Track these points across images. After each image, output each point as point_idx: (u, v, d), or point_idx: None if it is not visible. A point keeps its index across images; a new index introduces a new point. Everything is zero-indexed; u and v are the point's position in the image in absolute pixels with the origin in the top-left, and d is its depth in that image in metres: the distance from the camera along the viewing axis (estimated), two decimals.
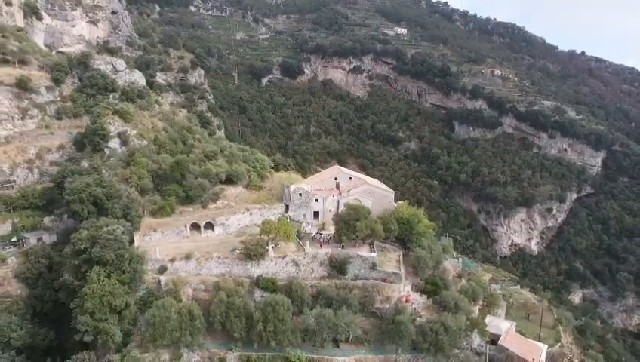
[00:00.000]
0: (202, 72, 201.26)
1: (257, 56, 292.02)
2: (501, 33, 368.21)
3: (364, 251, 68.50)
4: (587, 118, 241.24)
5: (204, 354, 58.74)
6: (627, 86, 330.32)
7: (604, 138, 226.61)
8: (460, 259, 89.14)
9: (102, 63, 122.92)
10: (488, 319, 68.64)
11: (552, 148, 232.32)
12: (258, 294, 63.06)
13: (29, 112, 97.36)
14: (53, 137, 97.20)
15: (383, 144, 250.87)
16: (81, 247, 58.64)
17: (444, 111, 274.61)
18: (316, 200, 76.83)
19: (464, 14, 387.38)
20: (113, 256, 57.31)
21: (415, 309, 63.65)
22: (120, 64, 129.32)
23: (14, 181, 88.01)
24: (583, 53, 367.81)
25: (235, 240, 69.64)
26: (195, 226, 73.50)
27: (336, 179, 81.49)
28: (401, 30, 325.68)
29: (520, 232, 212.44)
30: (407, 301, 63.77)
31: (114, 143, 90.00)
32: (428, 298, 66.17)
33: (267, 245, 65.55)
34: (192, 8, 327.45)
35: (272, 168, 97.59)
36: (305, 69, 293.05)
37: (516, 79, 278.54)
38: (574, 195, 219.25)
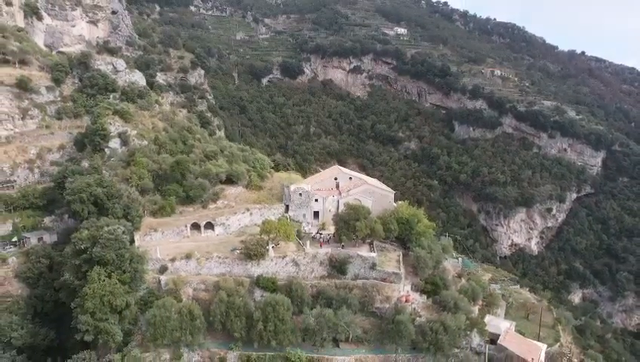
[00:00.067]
0: (202, 72, 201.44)
1: (257, 56, 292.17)
2: (501, 33, 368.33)
3: (364, 251, 68.64)
4: (587, 118, 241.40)
5: (204, 354, 58.89)
6: (627, 86, 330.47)
7: (604, 138, 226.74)
8: (459, 258, 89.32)
9: (102, 63, 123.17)
10: (488, 319, 68.78)
11: (551, 148, 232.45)
12: (258, 294, 63.21)
13: (30, 112, 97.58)
14: (54, 137, 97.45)
15: (383, 144, 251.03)
16: (82, 247, 58.81)
17: (444, 111, 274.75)
18: (316, 200, 76.97)
19: (464, 14, 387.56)
20: (114, 255, 57.47)
21: (415, 309, 63.81)
22: (120, 64, 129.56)
23: (15, 181, 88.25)
24: (583, 53, 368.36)
25: (235, 240, 69.80)
26: (196, 226, 73.66)
27: (336, 179, 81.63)
28: (401, 30, 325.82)
29: (520, 232, 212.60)
30: (406, 301, 63.92)
31: (114, 143, 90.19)
32: (427, 298, 66.32)
33: (267, 245, 65.70)
34: (192, 8, 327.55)
35: (272, 168, 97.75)
36: (305, 69, 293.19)
37: (516, 79, 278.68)
38: (574, 195, 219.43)
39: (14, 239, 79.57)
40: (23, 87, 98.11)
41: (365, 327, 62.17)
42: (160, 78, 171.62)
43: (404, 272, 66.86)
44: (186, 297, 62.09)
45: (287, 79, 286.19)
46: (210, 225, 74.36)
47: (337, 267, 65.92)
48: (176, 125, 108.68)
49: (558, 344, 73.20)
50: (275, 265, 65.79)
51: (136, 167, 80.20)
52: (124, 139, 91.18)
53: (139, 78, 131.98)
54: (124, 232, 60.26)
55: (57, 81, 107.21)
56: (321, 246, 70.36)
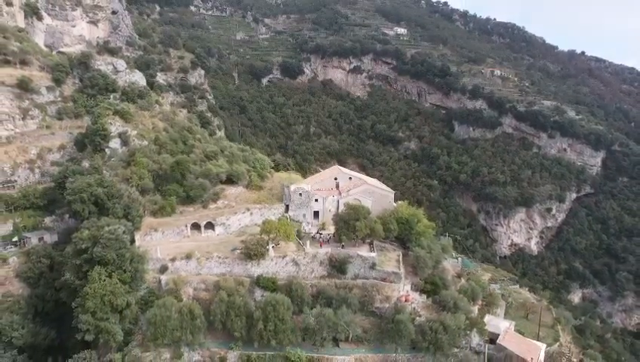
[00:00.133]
0: (202, 72, 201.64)
1: (257, 56, 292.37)
2: (501, 33, 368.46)
3: (363, 251, 68.79)
4: (587, 118, 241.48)
5: (204, 353, 59.03)
6: (627, 86, 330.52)
7: (604, 138, 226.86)
8: (459, 258, 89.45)
9: (102, 64, 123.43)
10: (487, 318, 68.93)
11: (551, 148, 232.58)
12: (258, 293, 63.38)
13: (30, 113, 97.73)
14: (54, 137, 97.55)
15: (382, 144, 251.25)
16: (83, 247, 58.99)
17: (443, 111, 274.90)
18: (316, 200, 77.13)
19: (464, 14, 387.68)
20: (114, 255, 57.63)
21: (414, 308, 63.96)
22: (120, 64, 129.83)
23: (16, 181, 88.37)
24: (582, 53, 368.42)
25: (235, 240, 69.96)
26: (196, 226, 73.85)
27: (336, 179, 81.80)
28: (401, 30, 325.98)
29: (519, 232, 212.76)
30: (406, 300, 64.08)
31: (115, 143, 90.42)
32: (427, 297, 66.47)
33: (267, 245, 65.86)
34: (192, 8, 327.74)
35: (272, 168, 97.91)
36: (305, 69, 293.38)
37: (516, 79, 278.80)
38: (574, 195, 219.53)
39: (15, 239, 79.66)
40: (23, 87, 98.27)
41: (365, 327, 62.31)
42: (160, 78, 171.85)
43: (403, 272, 67.03)
44: (187, 297, 62.25)
45: (287, 79, 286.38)
46: (210, 225, 74.54)
47: (337, 267, 66.09)
48: (176, 125, 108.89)
49: (558, 343, 73.34)
50: (275, 265, 65.95)
51: (136, 167, 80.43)
52: (124, 139, 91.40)
53: (139, 78, 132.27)
54: (124, 232, 60.43)
55: (58, 82, 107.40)
56: (321, 246, 70.51)
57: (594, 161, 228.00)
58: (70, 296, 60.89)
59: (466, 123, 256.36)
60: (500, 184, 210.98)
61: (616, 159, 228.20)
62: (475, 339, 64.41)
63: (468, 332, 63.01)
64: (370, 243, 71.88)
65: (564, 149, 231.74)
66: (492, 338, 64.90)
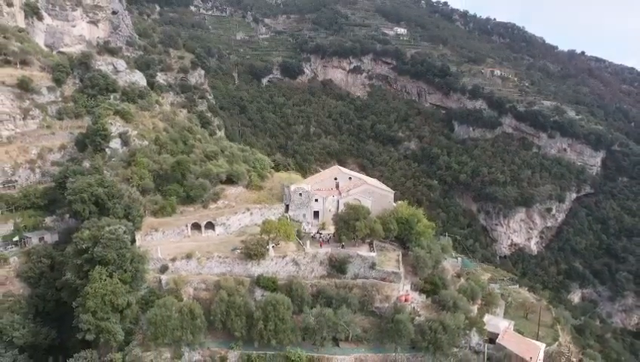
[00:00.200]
0: (202, 72, 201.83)
1: (257, 56, 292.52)
2: (501, 33, 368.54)
3: (363, 251, 68.94)
4: (587, 118, 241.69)
5: (205, 353, 59.13)
6: (627, 86, 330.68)
7: (604, 138, 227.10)
8: (459, 258, 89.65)
9: (103, 64, 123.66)
10: (487, 318, 69.15)
11: (551, 148, 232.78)
12: (259, 293, 63.53)
13: (31, 113, 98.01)
14: (55, 137, 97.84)
15: (382, 144, 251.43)
16: (83, 247, 59.17)
17: (443, 111, 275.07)
18: (316, 200, 77.27)
19: (464, 14, 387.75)
20: (115, 255, 57.79)
21: (414, 308, 64.11)
22: (121, 64, 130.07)
23: (16, 181, 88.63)
24: (582, 53, 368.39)
25: (235, 240, 70.11)
26: (196, 226, 74.00)
27: (336, 179, 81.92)
28: (401, 30, 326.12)
29: (519, 232, 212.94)
30: (406, 300, 64.22)
31: (115, 143, 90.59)
32: (427, 297, 66.63)
33: (267, 245, 66.01)
34: (192, 8, 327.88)
35: (272, 168, 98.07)
36: (305, 69, 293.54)
37: (516, 79, 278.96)
38: (574, 195, 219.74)
39: (16, 239, 79.86)
40: (24, 87, 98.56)
41: (365, 326, 62.45)
42: (160, 78, 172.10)
43: (403, 272, 67.16)
44: (187, 296, 62.39)
45: (287, 79, 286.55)
46: (210, 225, 74.70)
47: (337, 266, 66.24)
48: (176, 125, 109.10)
49: (557, 343, 73.55)
50: (275, 265, 66.10)
51: (137, 167, 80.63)
52: (124, 139, 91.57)
53: (139, 79, 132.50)
54: (125, 232, 60.58)
55: (58, 82, 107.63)
56: (321, 245, 70.67)
57: (594, 160, 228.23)
58: (71, 296, 61.11)
59: (466, 123, 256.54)
60: (499, 184, 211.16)
61: (616, 159, 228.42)
62: (475, 339, 64.62)
63: (467, 331, 63.22)
64: (370, 243, 72.01)
65: (564, 149, 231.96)
66: (491, 338, 65.14)
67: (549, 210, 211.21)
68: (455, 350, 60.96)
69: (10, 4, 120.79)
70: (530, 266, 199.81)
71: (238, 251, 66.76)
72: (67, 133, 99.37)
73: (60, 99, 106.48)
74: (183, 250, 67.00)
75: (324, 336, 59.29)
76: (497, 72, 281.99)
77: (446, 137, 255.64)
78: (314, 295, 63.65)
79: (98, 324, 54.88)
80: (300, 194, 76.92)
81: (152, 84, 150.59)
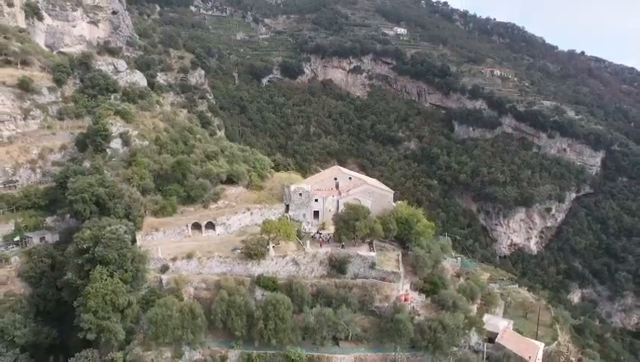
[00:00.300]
0: (202, 72, 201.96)
1: (257, 56, 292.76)
2: (501, 33, 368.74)
3: (363, 250, 69.12)
4: (586, 118, 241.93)
5: (205, 352, 59.35)
6: (626, 86, 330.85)
7: (604, 138, 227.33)
8: (458, 258, 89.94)
9: (103, 64, 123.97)
10: (486, 317, 69.46)
11: (551, 148, 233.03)
12: (259, 293, 63.73)
13: (32, 113, 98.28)
14: (56, 138, 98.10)
15: (382, 144, 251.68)
16: (84, 247, 59.29)
17: (443, 111, 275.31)
18: (316, 200, 77.47)
19: (464, 14, 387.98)
20: (116, 255, 57.96)
21: (414, 308, 64.35)
22: (121, 65, 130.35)
23: (17, 181, 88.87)
24: (582, 53, 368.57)
25: (235, 240, 70.31)
26: (197, 226, 74.20)
27: (335, 179, 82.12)
28: (401, 30, 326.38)
29: (519, 232, 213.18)
30: (405, 299, 64.42)
31: (116, 144, 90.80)
32: (426, 297, 66.83)
33: (268, 244, 66.23)
34: (192, 8, 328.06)
35: (272, 168, 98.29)
36: (305, 69, 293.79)
37: (516, 79, 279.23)
38: (573, 195, 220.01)
39: (17, 239, 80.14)
40: (24, 87, 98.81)
41: (365, 326, 62.63)
42: (160, 78, 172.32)
43: (403, 271, 67.36)
44: (188, 296, 62.59)
45: (287, 79, 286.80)
46: (211, 225, 74.91)
47: (337, 266, 66.45)
48: (177, 125, 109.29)
49: (556, 342, 73.84)
50: (275, 265, 66.31)
51: (137, 167, 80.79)
52: (125, 139, 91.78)
53: (139, 79, 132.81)
54: (125, 232, 60.73)
55: (59, 82, 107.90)
56: (321, 245, 70.87)
57: (593, 160, 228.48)
58: (72, 295, 61.26)
59: (466, 123, 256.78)
60: (499, 184, 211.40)
61: (616, 159, 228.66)
62: (474, 338, 64.90)
63: (467, 331, 63.43)
64: (370, 243, 72.22)
65: (564, 149, 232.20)
66: (491, 337, 65.42)
67: (548, 209, 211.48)
68: (454, 349, 61.14)
69: (10, 5, 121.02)
70: (529, 266, 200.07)
71: (239, 251, 66.98)
72: (68, 134, 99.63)
73: (60, 99, 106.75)
74: (184, 249, 67.19)
75: (324, 336, 59.52)
76: (497, 72, 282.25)
77: (446, 137, 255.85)
78: (314, 294, 63.82)
79: (99, 324, 55.03)
80: (300, 194, 77.15)
81: (152, 84, 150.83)
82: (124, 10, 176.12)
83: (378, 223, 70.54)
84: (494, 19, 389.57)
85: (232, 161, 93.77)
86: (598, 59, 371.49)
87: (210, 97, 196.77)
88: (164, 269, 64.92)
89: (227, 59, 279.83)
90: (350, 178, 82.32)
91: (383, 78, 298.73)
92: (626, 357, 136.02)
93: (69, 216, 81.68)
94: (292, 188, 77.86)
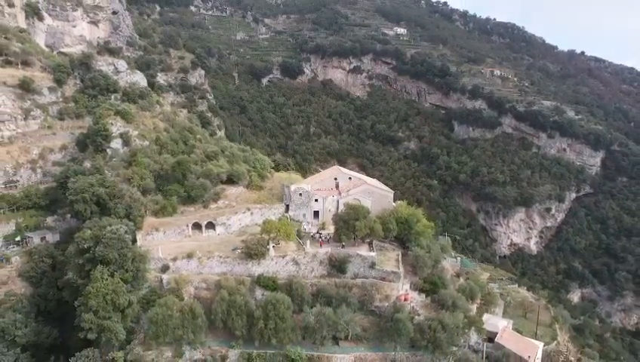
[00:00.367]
0: (202, 72, 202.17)
1: (257, 56, 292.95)
2: (501, 33, 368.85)
3: (363, 250, 69.24)
4: (586, 118, 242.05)
5: (205, 352, 59.47)
6: (626, 86, 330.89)
7: (603, 138, 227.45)
8: (458, 258, 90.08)
9: (103, 64, 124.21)
10: (485, 317, 69.62)
11: (551, 148, 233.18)
12: (259, 293, 63.87)
13: (32, 113, 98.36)
14: (56, 138, 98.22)
15: (382, 144, 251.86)
16: (85, 246, 59.46)
17: (443, 111, 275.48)
18: (316, 200, 77.63)
19: (464, 14, 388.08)
20: (116, 255, 58.12)
21: (413, 307, 64.48)
22: (121, 65, 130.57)
23: (18, 181, 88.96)
24: (582, 53, 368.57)
25: (236, 240, 70.46)
26: (197, 226, 74.39)
27: (335, 179, 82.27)
28: (401, 30, 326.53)
29: (519, 232, 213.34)
30: (405, 299, 64.55)
31: (116, 144, 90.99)
32: (426, 296, 66.92)
33: (268, 244, 66.39)
34: (192, 8, 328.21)
35: (272, 168, 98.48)
36: (305, 69, 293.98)
37: (516, 79, 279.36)
38: (573, 195, 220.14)
39: (17, 239, 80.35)
40: (25, 87, 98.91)
41: (364, 326, 62.72)
42: (160, 78, 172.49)
43: (403, 271, 67.48)
44: (188, 296, 62.74)
45: (287, 79, 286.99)
46: (211, 225, 75.10)
47: (337, 266, 66.57)
48: (177, 125, 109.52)
49: (555, 342, 73.96)
50: (275, 265, 66.45)
51: (137, 168, 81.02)
52: (125, 139, 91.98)
53: (140, 79, 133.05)
54: (126, 232, 60.89)
55: (59, 82, 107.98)
56: (321, 245, 71.00)
57: (593, 160, 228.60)
58: (72, 295, 61.40)
59: (466, 123, 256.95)
60: (499, 184, 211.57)
61: (616, 159, 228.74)
62: (474, 338, 65.05)
63: (466, 330, 63.53)
64: (370, 243, 72.36)
65: (564, 149, 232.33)
66: (490, 337, 65.56)
67: (548, 209, 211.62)
68: (454, 349, 61.26)
69: (11, 5, 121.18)
70: (529, 266, 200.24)
71: (239, 251, 67.14)
72: (68, 134, 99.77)
73: (60, 99, 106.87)
74: (184, 249, 67.35)
75: (324, 335, 59.64)
76: (497, 72, 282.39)
77: (446, 137, 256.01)
78: (314, 294, 63.93)
79: (100, 323, 55.16)
80: (300, 194, 77.32)
81: (152, 84, 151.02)
82: (124, 10, 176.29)
83: (378, 223, 70.63)
84: (494, 19, 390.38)
85: (232, 161, 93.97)
86: (598, 59, 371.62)
87: (210, 97, 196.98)
88: (165, 269, 65.10)
89: (227, 59, 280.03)
90: (350, 178, 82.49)
91: (383, 78, 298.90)
92: (626, 357, 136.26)
93: (69, 216, 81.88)
94: (292, 188, 78.03)
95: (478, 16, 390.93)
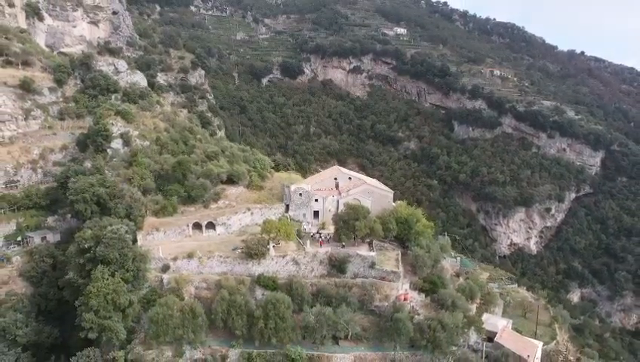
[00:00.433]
0: (202, 72, 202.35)
1: (257, 56, 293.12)
2: (501, 33, 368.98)
3: (363, 250, 69.37)
4: (586, 118, 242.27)
5: (206, 351, 59.61)
6: (626, 86, 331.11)
7: (603, 138, 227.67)
8: (458, 258, 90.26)
9: (104, 64, 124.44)
10: (485, 317, 69.75)
11: (551, 148, 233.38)
12: (259, 292, 64.02)
13: (33, 113, 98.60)
14: (56, 138, 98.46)
15: (382, 144, 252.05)
16: (86, 246, 59.60)
17: (443, 111, 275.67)
18: (316, 200, 77.75)
19: (464, 14, 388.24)
20: (117, 254, 58.25)
21: (413, 307, 64.59)
22: (121, 65, 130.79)
23: (18, 181, 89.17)
24: (582, 53, 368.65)
25: (236, 240, 70.60)
26: (197, 226, 74.52)
27: (335, 179, 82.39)
28: (401, 30, 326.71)
29: (519, 232, 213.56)
30: (405, 299, 64.68)
31: (116, 144, 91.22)
32: (426, 296, 67.05)
33: (268, 244, 66.55)
34: (192, 8, 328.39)
35: (273, 168, 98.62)
36: (305, 69, 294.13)
37: (515, 79, 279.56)
38: (573, 195, 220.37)
39: (18, 238, 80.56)
40: (25, 88, 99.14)
41: (364, 325, 62.84)
42: (161, 78, 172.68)
43: (402, 271, 67.61)
44: (188, 295, 62.87)
45: (287, 79, 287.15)
46: (211, 225, 75.24)
47: (337, 266, 66.72)
48: (177, 126, 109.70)
49: (555, 342, 74.11)
50: (275, 264, 66.59)
51: (138, 168, 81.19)
52: (126, 139, 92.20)
53: (140, 79, 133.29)
54: (127, 232, 60.99)
55: (60, 82, 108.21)
56: (321, 245, 71.15)
57: (593, 160, 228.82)
58: (73, 295, 61.54)
59: (466, 123, 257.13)
60: (499, 184, 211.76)
61: (616, 159, 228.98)
62: (473, 337, 65.18)
63: (466, 330, 63.65)
64: (370, 243, 72.50)
65: (564, 149, 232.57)
66: (490, 337, 65.71)
67: (548, 209, 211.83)
68: (453, 348, 61.39)
69: (11, 5, 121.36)
70: (529, 266, 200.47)
71: (239, 251, 67.29)
72: (68, 134, 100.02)
73: (61, 99, 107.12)
74: (185, 249, 67.49)
75: (323, 335, 59.81)
76: (497, 72, 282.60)
77: (446, 137, 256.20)
78: (314, 294, 64.06)
79: (100, 323, 55.30)
80: (300, 194, 77.45)
81: (152, 85, 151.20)
82: (125, 10, 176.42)
83: (378, 223, 70.76)
84: (494, 19, 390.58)
85: (232, 161, 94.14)
86: (597, 59, 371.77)
87: (210, 97, 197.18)
88: (165, 269, 65.25)
89: (227, 59, 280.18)
90: (350, 178, 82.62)
91: (383, 78, 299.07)
92: (625, 357, 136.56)
93: (70, 215, 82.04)
94: (292, 188, 78.17)
95: (478, 16, 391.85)
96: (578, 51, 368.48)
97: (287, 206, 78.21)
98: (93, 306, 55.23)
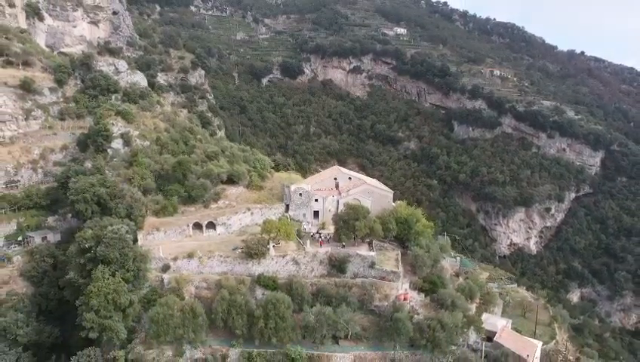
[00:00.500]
0: (202, 72, 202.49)
1: (257, 56, 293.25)
2: (501, 33, 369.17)
3: (363, 250, 69.54)
4: (586, 118, 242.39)
5: (206, 351, 59.79)
6: (626, 86, 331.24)
7: (603, 138, 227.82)
8: (457, 258, 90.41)
9: (104, 64, 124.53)
10: (484, 316, 69.88)
11: (550, 148, 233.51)
12: (259, 292, 64.18)
13: (33, 113, 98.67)
14: (57, 138, 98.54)
15: (382, 144, 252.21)
16: (86, 246, 59.72)
17: (443, 111, 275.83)
18: (316, 200, 77.89)
19: (464, 14, 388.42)
20: (117, 254, 58.40)
21: (413, 307, 64.76)
22: (122, 65, 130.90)
23: (19, 181, 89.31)
24: (582, 53, 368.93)
25: (236, 240, 70.76)
26: (197, 225, 74.68)
27: (335, 179, 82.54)
28: (401, 30, 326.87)
29: (519, 232, 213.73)
30: (405, 299, 64.84)
31: (117, 144, 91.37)
32: (425, 296, 67.20)
33: (268, 244, 66.70)
34: (192, 8, 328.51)
35: (273, 168, 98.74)
36: (305, 69, 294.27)
37: (515, 79, 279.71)
38: (573, 195, 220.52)
39: (19, 238, 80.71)
40: (26, 88, 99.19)
41: (364, 325, 63.02)
42: (161, 78, 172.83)
43: (402, 271, 67.75)
44: (189, 295, 63.03)
45: (287, 79, 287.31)
46: (211, 225, 75.39)
47: (337, 266, 66.87)
48: (177, 126, 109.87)
49: (554, 341, 74.26)
50: (275, 264, 66.75)
51: (138, 168, 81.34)
52: (126, 139, 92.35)
53: (140, 79, 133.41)
54: (127, 232, 61.13)
55: (60, 82, 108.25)
56: (321, 245, 71.31)
57: (593, 160, 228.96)
58: (73, 295, 61.66)
59: (466, 123, 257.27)
60: (499, 184, 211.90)
61: (615, 159, 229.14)
62: (473, 337, 65.32)
63: (465, 330, 63.79)
64: (370, 243, 72.67)
65: (564, 149, 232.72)
66: (489, 336, 65.84)
67: (548, 209, 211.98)
68: (453, 348, 61.55)
69: (12, 5, 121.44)
70: (529, 266, 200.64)
71: (239, 250, 67.44)
72: (69, 134, 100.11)
73: (61, 99, 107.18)
74: (185, 249, 67.65)
75: (323, 334, 59.99)
76: (497, 72, 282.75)
77: (445, 137, 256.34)
78: (314, 294, 64.22)
79: (101, 322, 55.45)
80: (300, 194, 77.59)
81: (152, 85, 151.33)
82: (125, 10, 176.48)
83: (378, 223, 70.90)
84: (494, 19, 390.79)
85: (232, 161, 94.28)
86: (597, 59, 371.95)
87: (210, 97, 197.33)
88: (166, 269, 65.41)
89: (227, 59, 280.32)
90: (350, 178, 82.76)
91: (383, 78, 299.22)
92: (625, 357, 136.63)
93: (70, 215, 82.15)
94: (292, 188, 78.31)
95: (478, 16, 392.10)
96: (578, 51, 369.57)
97: (287, 206, 78.35)
98: (93, 306, 55.38)
